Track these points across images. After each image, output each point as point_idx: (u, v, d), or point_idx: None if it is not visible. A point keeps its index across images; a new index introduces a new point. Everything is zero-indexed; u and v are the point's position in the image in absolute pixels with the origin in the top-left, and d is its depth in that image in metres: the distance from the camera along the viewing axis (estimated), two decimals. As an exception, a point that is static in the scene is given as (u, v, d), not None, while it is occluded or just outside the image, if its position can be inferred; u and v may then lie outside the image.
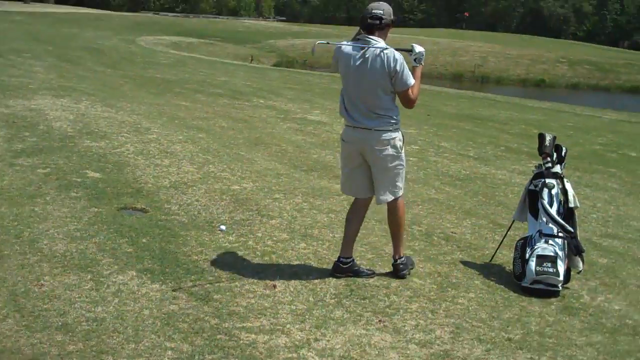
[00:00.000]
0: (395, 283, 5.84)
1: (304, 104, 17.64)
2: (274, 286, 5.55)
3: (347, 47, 5.72)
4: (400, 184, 5.87)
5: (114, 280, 5.41)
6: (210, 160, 9.57)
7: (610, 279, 6.48)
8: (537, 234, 6.24)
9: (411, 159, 11.20)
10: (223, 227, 6.85)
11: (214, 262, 5.96)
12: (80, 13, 58.61)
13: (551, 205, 6.30)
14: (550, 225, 6.22)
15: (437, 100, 22.44)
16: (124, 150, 9.61)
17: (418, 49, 5.79)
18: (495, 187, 9.82)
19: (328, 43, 6.07)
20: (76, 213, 6.90)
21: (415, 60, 5.77)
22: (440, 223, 7.76)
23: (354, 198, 6.11)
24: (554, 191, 6.38)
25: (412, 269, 6.10)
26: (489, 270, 6.42)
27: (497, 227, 7.71)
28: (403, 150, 5.81)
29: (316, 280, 5.77)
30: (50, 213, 6.83)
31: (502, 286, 6.05)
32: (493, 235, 7.46)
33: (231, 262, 6.01)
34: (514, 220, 6.80)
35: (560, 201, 6.37)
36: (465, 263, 6.54)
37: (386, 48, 5.58)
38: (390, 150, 5.69)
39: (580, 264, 6.22)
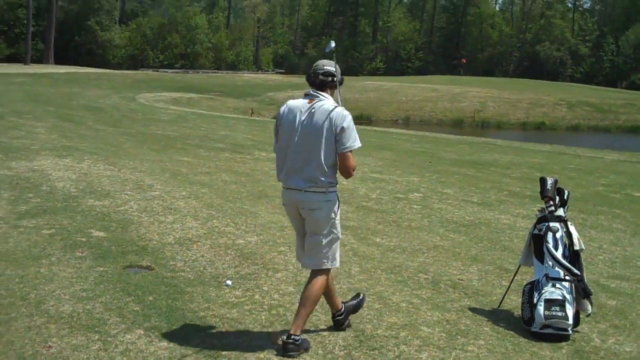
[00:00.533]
0: (404, 332, 5.80)
1: (305, 155, 17.64)
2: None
3: (294, 102, 5.52)
4: (329, 254, 5.49)
5: (121, 339, 5.38)
6: (214, 215, 9.58)
7: (620, 321, 6.45)
8: (544, 277, 6.22)
9: (414, 206, 11.22)
10: (229, 282, 6.84)
11: (221, 318, 5.93)
12: (80, 73, 59.18)
13: (556, 249, 6.29)
14: (557, 268, 6.21)
15: (438, 147, 22.54)
16: (128, 208, 9.63)
17: None
18: (500, 232, 9.82)
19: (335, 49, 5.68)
20: (82, 273, 6.88)
21: None
22: (446, 270, 7.73)
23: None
24: (558, 234, 6.38)
25: (301, 353, 5.29)
26: (497, 316, 6.39)
27: (503, 272, 7.69)
28: (338, 217, 5.51)
29: (324, 333, 5.73)
30: (56, 274, 6.81)
31: (511, 332, 6.01)
32: (500, 280, 7.43)
33: (238, 317, 5.98)
34: (520, 265, 6.79)
35: (565, 244, 6.37)
36: (473, 310, 6.50)
37: (336, 105, 5.37)
38: (322, 213, 5.38)
39: (589, 307, 6.20)
